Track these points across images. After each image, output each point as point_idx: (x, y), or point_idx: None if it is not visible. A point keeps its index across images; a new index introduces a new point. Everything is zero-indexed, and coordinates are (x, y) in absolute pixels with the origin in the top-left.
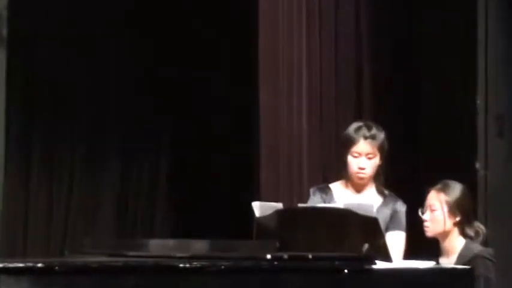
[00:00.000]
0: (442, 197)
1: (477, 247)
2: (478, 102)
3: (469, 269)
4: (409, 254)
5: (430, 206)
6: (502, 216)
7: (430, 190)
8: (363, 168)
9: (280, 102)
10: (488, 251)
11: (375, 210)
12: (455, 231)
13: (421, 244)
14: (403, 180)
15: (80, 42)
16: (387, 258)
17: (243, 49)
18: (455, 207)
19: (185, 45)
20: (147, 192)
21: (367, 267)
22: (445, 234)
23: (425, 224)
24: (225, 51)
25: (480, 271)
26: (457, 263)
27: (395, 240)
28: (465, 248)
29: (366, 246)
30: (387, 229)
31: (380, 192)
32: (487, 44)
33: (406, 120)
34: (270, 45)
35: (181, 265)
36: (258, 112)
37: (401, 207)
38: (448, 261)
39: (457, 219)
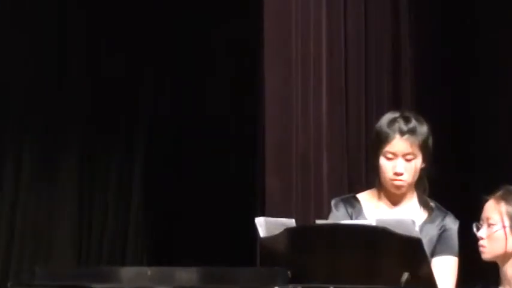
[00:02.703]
0: (503, 207)
1: None
2: None
3: None
4: (460, 284)
5: (488, 219)
6: None
7: (487, 199)
8: (400, 174)
9: (292, 87)
10: None
11: (417, 228)
12: None
13: (476, 269)
14: (455, 188)
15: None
16: None
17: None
18: None
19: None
20: (115, 207)
21: None
22: (507, 256)
23: (481, 243)
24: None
25: None
26: None
27: (445, 268)
28: None
29: (406, 275)
30: (434, 253)
31: (424, 204)
32: None
33: (455, 111)
34: (279, 7)
35: None
36: (263, 99)
37: (452, 224)
38: None
39: None
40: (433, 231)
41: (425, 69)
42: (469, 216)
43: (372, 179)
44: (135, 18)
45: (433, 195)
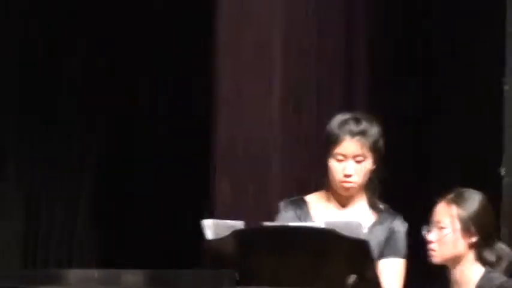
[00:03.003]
0: (454, 210)
1: (499, 278)
2: (506, 88)
3: None
4: (410, 287)
5: (438, 222)
6: None
7: (438, 202)
8: (350, 175)
9: (243, 89)
10: None
11: (365, 230)
12: (471, 256)
13: (426, 273)
14: (406, 190)
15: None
16: None
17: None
18: (470, 224)
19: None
20: (63, 210)
21: None
22: (457, 259)
23: (431, 246)
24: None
25: None
26: None
27: (392, 270)
28: (483, 279)
29: (353, 277)
30: (381, 255)
31: (373, 206)
32: None
33: (410, 112)
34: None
35: None
36: (212, 98)
37: (400, 227)
38: None
39: (473, 239)
40: (381, 233)
41: (378, 70)
42: (422, 218)
43: (321, 180)
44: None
45: (383, 198)
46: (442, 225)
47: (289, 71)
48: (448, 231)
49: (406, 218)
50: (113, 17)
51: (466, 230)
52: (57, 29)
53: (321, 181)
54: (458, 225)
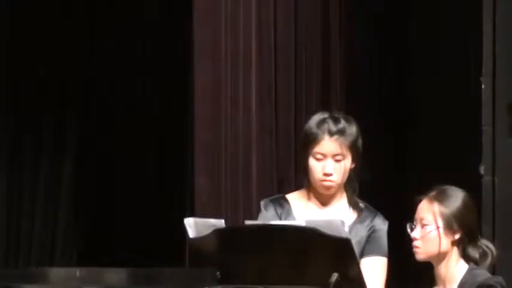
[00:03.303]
0: (436, 207)
1: (483, 274)
2: (484, 87)
3: None
4: (393, 285)
5: (421, 220)
6: None
7: (421, 199)
8: (330, 174)
9: (222, 86)
10: (497, 280)
11: (346, 228)
12: (455, 253)
13: (410, 271)
14: (386, 188)
15: None
16: None
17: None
18: (453, 221)
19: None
20: (44, 208)
21: None
22: (441, 256)
23: (415, 243)
24: None
25: None
26: None
27: (374, 268)
28: (467, 276)
29: (335, 276)
30: (363, 253)
31: (353, 205)
32: (495, 11)
33: (389, 109)
34: (209, 5)
35: None
36: (191, 94)
37: (381, 225)
38: None
39: (456, 236)
40: (362, 231)
41: (356, 70)
42: (403, 216)
43: (301, 179)
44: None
45: (364, 196)
46: (425, 222)
47: (266, 69)
48: (431, 229)
49: (386, 217)
50: None
51: (449, 227)
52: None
53: (300, 179)
54: (441, 223)
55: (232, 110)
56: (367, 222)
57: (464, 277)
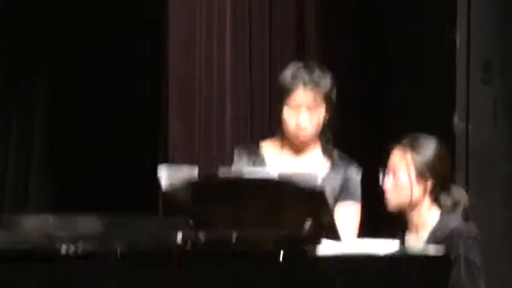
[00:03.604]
0: (409, 155)
1: (456, 221)
2: (458, 36)
3: (443, 253)
4: (366, 231)
5: (393, 168)
6: (487, 181)
7: (393, 148)
8: (304, 125)
9: (196, 30)
10: (470, 226)
11: (320, 178)
12: (427, 201)
13: (384, 218)
14: (360, 137)
15: None
16: (335, 237)
17: None
18: (425, 169)
19: None
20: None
21: (308, 250)
22: (413, 205)
23: (387, 191)
24: None
25: (460, 252)
26: (428, 241)
27: (347, 215)
28: (440, 223)
29: (309, 222)
30: (337, 200)
31: (327, 154)
32: None
33: (363, 59)
34: None
35: (63, 249)
36: (165, 38)
37: (354, 173)
38: (417, 239)
39: (429, 185)
40: (336, 179)
41: (331, 18)
42: (376, 165)
43: (275, 126)
44: None
45: (338, 145)
46: (397, 171)
47: (241, 17)
48: (403, 177)
49: (360, 165)
50: None
51: (421, 176)
52: None
53: (275, 128)
54: (413, 171)
55: (206, 55)
56: (341, 170)
57: (436, 224)
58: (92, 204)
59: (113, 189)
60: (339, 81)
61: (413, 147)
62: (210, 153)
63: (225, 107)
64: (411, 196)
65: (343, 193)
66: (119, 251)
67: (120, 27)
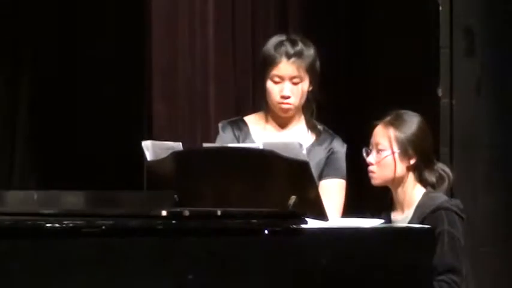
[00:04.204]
0: (392, 132)
1: (440, 197)
2: (441, 9)
3: (427, 229)
4: (351, 209)
5: (376, 144)
6: (472, 157)
7: (376, 124)
8: (287, 97)
9: (179, 10)
10: (454, 202)
11: (304, 151)
12: (411, 178)
13: (369, 195)
14: (344, 111)
15: None
16: (321, 214)
17: None
18: (408, 146)
19: None
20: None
21: (293, 226)
22: (397, 181)
23: (370, 168)
24: None
25: (444, 227)
26: (413, 218)
27: (332, 191)
28: (424, 199)
29: (293, 198)
30: (321, 176)
31: (312, 127)
32: None
33: (347, 30)
34: None
35: (48, 225)
36: (148, 17)
37: (340, 147)
38: (402, 217)
39: (412, 161)
40: (320, 154)
41: None
42: (360, 140)
43: (259, 102)
44: None
45: (322, 119)
46: (380, 147)
47: None
48: (386, 154)
49: (345, 140)
50: None
51: (404, 152)
52: None
53: (259, 102)
54: (396, 148)
55: (189, 35)
56: (326, 144)
57: (420, 200)
58: (76, 181)
59: (100, 169)
60: (320, 55)
61: (396, 124)
62: (195, 134)
63: (209, 86)
64: (394, 173)
65: (327, 168)
66: (103, 227)
67: (103, 12)
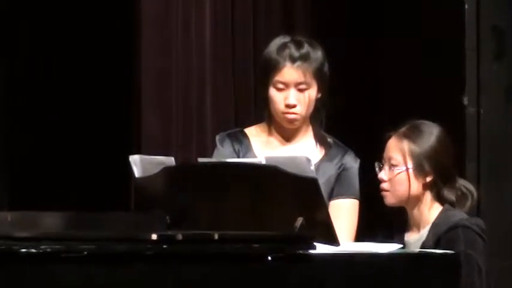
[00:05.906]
0: (406, 145)
1: (458, 214)
2: (467, 7)
3: (451, 254)
4: (364, 231)
5: (389, 159)
6: (502, 173)
7: (390, 136)
8: (293, 106)
9: (173, 10)
10: (475, 221)
11: (313, 166)
12: (428, 196)
13: (382, 214)
14: (357, 121)
15: None
16: (331, 238)
17: None
18: (425, 161)
19: None
20: None
21: (300, 251)
22: (413, 200)
23: (383, 185)
24: None
25: (460, 248)
26: (428, 237)
27: (344, 211)
28: (441, 216)
29: (300, 220)
30: (332, 194)
31: (320, 140)
32: None
33: (359, 32)
34: None
35: (23, 250)
36: (138, 19)
37: (352, 163)
38: (417, 237)
39: (428, 179)
40: (331, 170)
41: None
42: (375, 154)
43: (261, 112)
44: None
45: (331, 131)
46: (393, 162)
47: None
48: (399, 170)
49: (357, 154)
50: None
51: (419, 168)
52: None
53: (261, 112)
54: (410, 163)
55: (183, 37)
56: (337, 159)
57: (437, 218)
58: (56, 201)
59: (82, 187)
60: (330, 58)
61: (411, 136)
62: (189, 148)
63: (205, 95)
64: (409, 191)
65: (339, 186)
66: (85, 252)
67: (92, 14)
